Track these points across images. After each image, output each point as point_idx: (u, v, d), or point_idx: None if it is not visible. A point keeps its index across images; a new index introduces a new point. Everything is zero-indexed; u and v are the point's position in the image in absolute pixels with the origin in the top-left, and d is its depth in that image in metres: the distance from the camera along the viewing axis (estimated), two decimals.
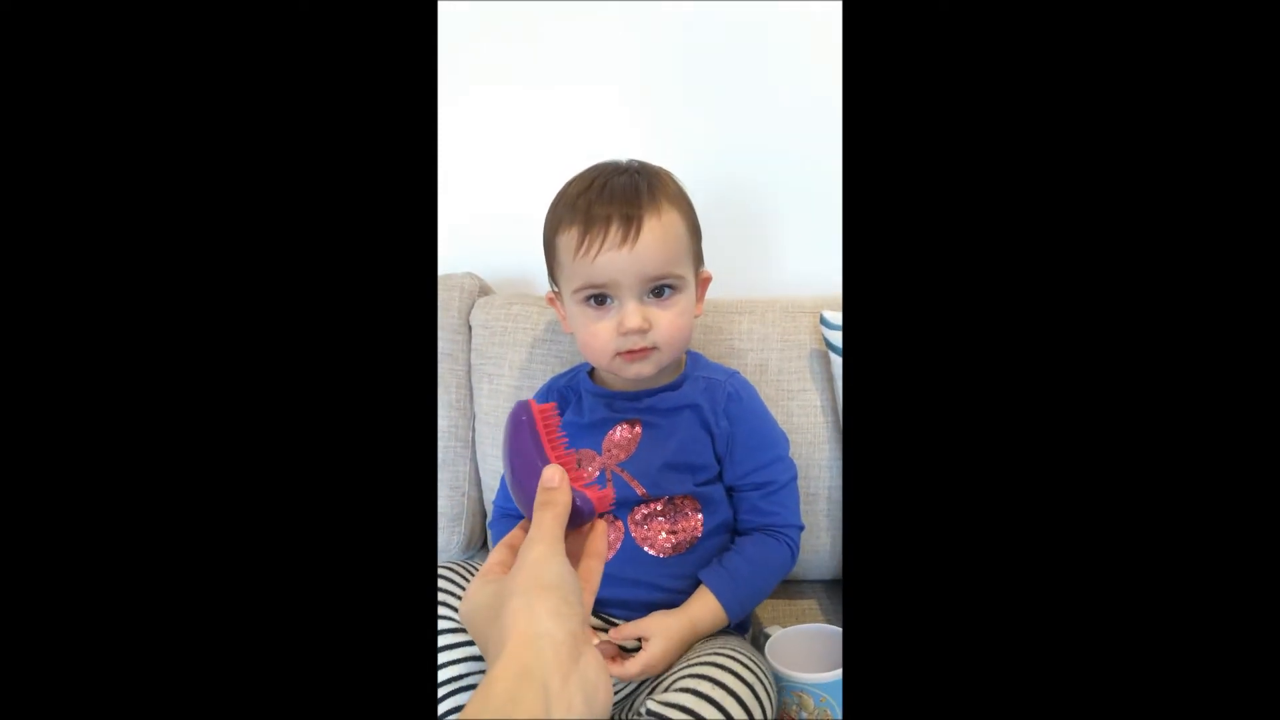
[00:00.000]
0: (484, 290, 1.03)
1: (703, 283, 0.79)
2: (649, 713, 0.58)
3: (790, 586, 0.92)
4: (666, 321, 0.71)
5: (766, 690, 0.61)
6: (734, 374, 0.80)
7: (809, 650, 0.74)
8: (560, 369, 0.90)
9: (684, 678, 0.60)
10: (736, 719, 0.57)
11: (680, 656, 0.66)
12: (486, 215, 1.07)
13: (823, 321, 0.87)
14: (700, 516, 0.73)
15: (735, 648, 0.64)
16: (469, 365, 0.98)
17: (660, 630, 0.66)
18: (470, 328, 0.99)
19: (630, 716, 0.67)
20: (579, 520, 0.51)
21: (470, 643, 0.67)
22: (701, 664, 0.61)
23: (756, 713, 0.58)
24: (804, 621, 0.80)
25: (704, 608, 0.69)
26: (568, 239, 0.71)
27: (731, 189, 1.03)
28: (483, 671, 0.66)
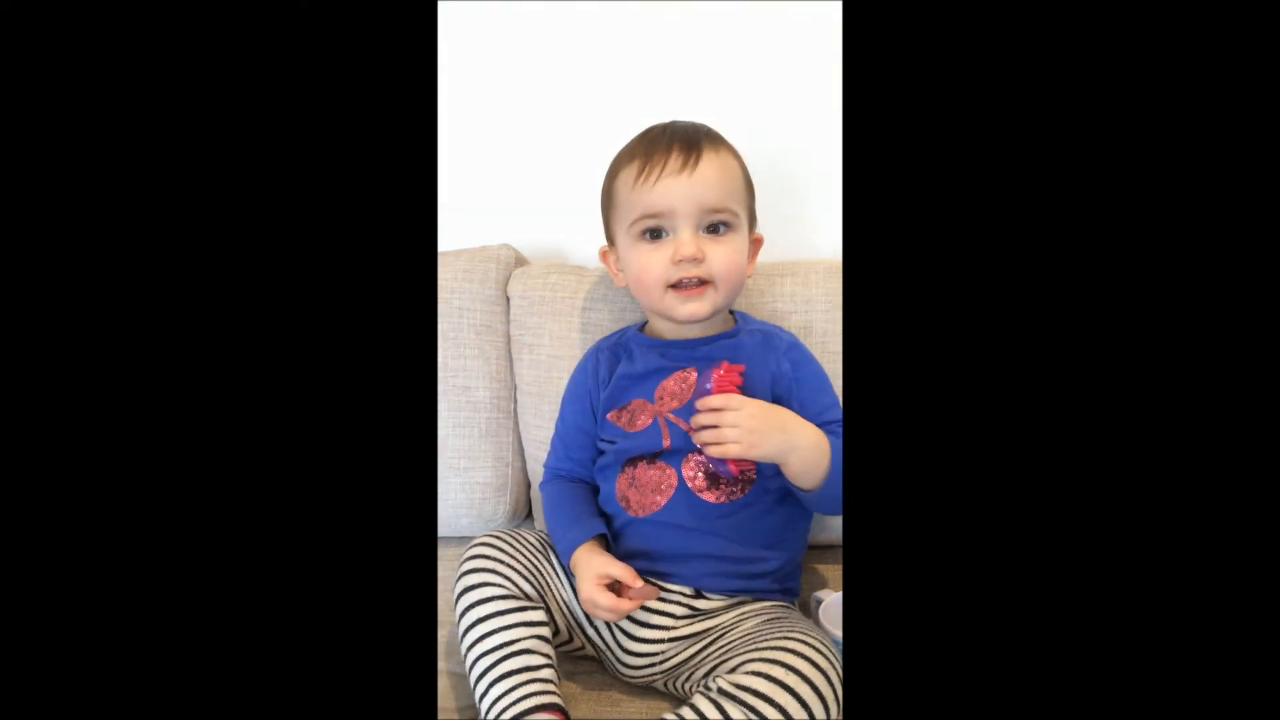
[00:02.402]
0: (520, 261, 1.03)
1: (755, 243, 0.78)
2: (719, 690, 0.58)
3: (838, 551, 0.91)
4: (721, 256, 0.71)
5: (839, 677, 0.60)
6: (779, 327, 0.81)
7: None
8: (601, 336, 0.89)
9: (756, 660, 0.59)
10: (810, 705, 0.57)
11: (760, 427, 0.64)
12: (520, 188, 1.07)
13: None
14: (754, 463, 0.71)
15: (806, 631, 0.63)
16: (508, 336, 0.98)
17: (776, 407, 0.66)
18: (508, 299, 0.98)
19: (692, 688, 0.66)
20: None
21: (521, 609, 0.67)
22: (774, 649, 0.60)
23: (830, 700, 0.58)
24: None
25: (805, 424, 0.66)
26: (628, 174, 0.72)
27: (772, 149, 1.01)
28: (534, 637, 0.66)
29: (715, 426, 0.64)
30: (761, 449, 0.64)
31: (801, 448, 0.65)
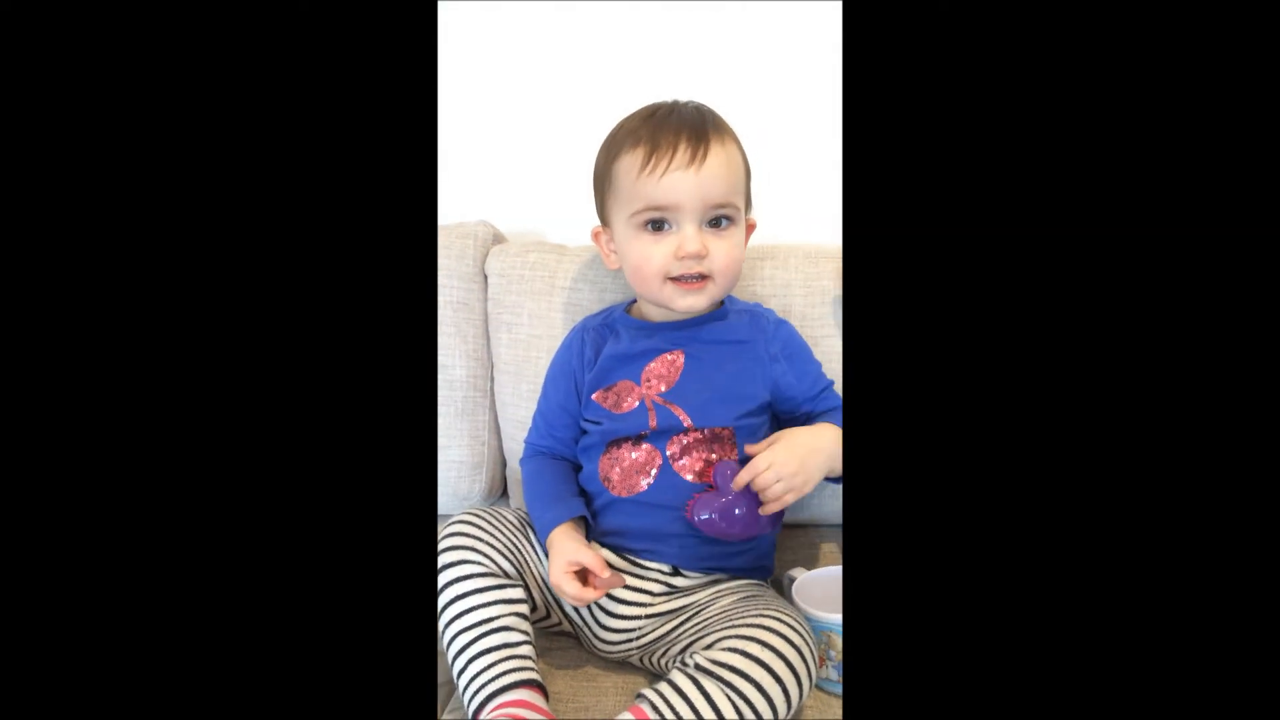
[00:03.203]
0: (498, 239, 1.02)
1: (748, 228, 0.79)
2: (696, 666, 0.59)
3: (811, 530, 0.93)
4: (722, 251, 0.72)
5: (813, 654, 0.61)
6: (761, 305, 0.83)
7: (833, 591, 0.75)
8: (580, 317, 0.89)
9: (732, 637, 0.60)
10: (785, 681, 0.58)
11: (805, 465, 0.66)
12: (499, 165, 1.06)
13: None
14: (735, 448, 0.73)
15: (780, 609, 0.64)
16: (485, 314, 0.97)
17: (784, 435, 0.67)
18: (486, 276, 0.97)
19: (669, 664, 0.67)
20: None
21: (500, 586, 0.68)
22: (749, 625, 0.61)
23: (804, 677, 0.60)
24: (825, 564, 0.81)
25: (828, 429, 0.69)
26: (630, 160, 0.71)
27: (749, 135, 1.01)
28: (513, 614, 0.67)
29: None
30: (811, 479, 0.66)
31: (833, 452, 0.68)
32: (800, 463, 0.66)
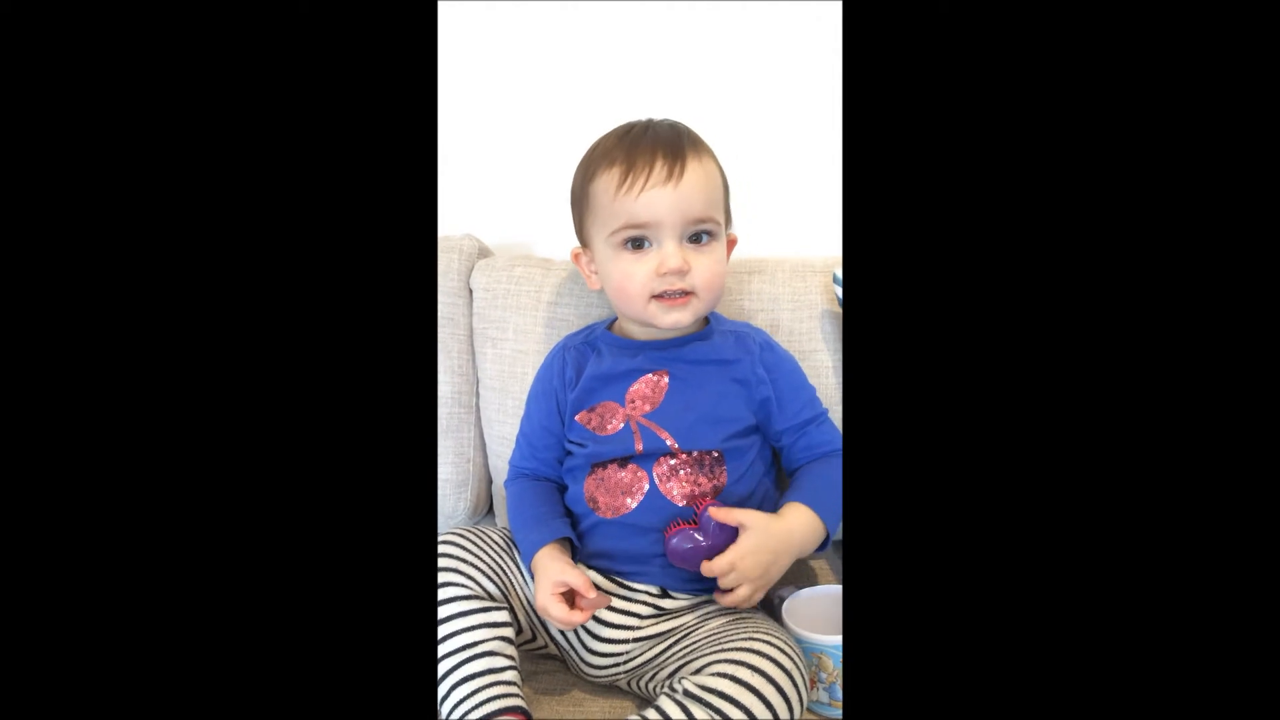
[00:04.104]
0: (483, 252, 1.01)
1: (729, 244, 0.78)
2: (685, 692, 0.58)
3: None
4: (704, 267, 0.71)
5: (803, 676, 0.61)
6: (751, 326, 0.81)
7: (824, 611, 0.74)
8: (567, 332, 0.88)
9: (721, 661, 0.59)
10: (775, 706, 0.57)
11: (769, 570, 0.65)
12: (484, 178, 1.05)
13: (836, 281, 0.85)
14: (725, 469, 0.72)
15: (770, 631, 0.63)
16: (470, 329, 0.96)
17: (758, 525, 0.64)
18: (471, 291, 0.96)
19: (657, 688, 0.66)
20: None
21: (484, 609, 0.66)
22: (738, 649, 0.60)
23: (795, 701, 0.59)
24: (816, 583, 0.80)
25: (801, 518, 0.67)
26: (607, 179, 0.70)
27: (739, 147, 1.01)
28: (497, 638, 0.65)
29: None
30: (774, 578, 0.67)
31: (804, 541, 0.67)
32: (765, 569, 0.65)
